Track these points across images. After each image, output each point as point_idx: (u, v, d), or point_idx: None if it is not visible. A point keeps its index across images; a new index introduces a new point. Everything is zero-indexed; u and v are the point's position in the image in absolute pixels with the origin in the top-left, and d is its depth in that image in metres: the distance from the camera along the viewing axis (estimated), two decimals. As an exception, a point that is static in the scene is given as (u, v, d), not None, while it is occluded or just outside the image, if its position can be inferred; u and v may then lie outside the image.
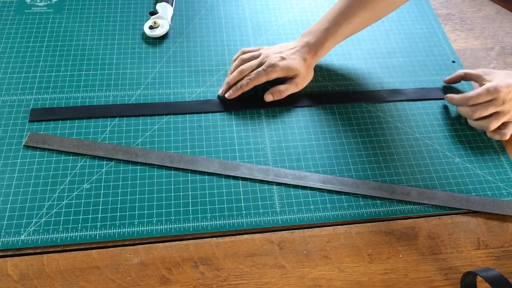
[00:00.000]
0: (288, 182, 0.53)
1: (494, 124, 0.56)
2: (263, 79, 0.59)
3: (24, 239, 0.48)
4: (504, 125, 0.58)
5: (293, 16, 0.73)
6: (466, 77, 0.62)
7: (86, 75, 0.62)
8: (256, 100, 0.61)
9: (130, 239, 0.48)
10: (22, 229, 0.48)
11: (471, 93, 0.57)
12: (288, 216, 0.51)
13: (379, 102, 0.62)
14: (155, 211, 0.50)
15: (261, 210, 0.51)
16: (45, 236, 0.48)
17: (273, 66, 0.58)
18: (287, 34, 0.70)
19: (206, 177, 0.53)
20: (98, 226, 0.49)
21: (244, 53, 0.63)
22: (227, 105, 0.60)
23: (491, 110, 0.55)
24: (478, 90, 0.56)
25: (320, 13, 0.73)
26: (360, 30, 0.61)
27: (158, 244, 0.48)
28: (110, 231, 0.49)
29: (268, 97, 0.59)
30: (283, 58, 0.58)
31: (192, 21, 0.71)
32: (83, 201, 0.50)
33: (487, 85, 0.56)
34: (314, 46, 0.59)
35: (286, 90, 0.60)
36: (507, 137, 0.57)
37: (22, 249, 0.47)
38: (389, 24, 0.72)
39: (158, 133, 0.57)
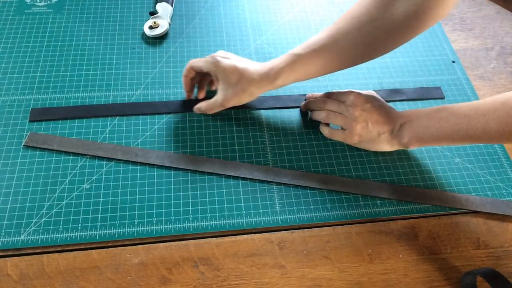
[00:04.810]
0: (288, 182, 0.53)
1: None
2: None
3: (24, 239, 0.48)
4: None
5: (293, 16, 0.73)
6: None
7: (86, 75, 0.62)
8: (256, 100, 0.61)
9: (130, 239, 0.48)
10: (22, 229, 0.48)
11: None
12: (288, 216, 0.51)
13: (379, 102, 0.62)
14: (155, 211, 0.50)
15: (261, 210, 0.51)
16: (45, 236, 0.48)
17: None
18: (287, 34, 0.70)
19: (206, 177, 0.53)
20: (98, 226, 0.49)
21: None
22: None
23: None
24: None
25: (320, 13, 0.73)
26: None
27: (158, 244, 0.48)
28: (110, 231, 0.49)
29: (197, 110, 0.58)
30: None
31: (192, 21, 0.71)
32: (83, 201, 0.50)
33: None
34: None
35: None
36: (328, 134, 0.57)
37: (22, 249, 0.47)
38: (389, 24, 0.72)
39: (158, 133, 0.57)
